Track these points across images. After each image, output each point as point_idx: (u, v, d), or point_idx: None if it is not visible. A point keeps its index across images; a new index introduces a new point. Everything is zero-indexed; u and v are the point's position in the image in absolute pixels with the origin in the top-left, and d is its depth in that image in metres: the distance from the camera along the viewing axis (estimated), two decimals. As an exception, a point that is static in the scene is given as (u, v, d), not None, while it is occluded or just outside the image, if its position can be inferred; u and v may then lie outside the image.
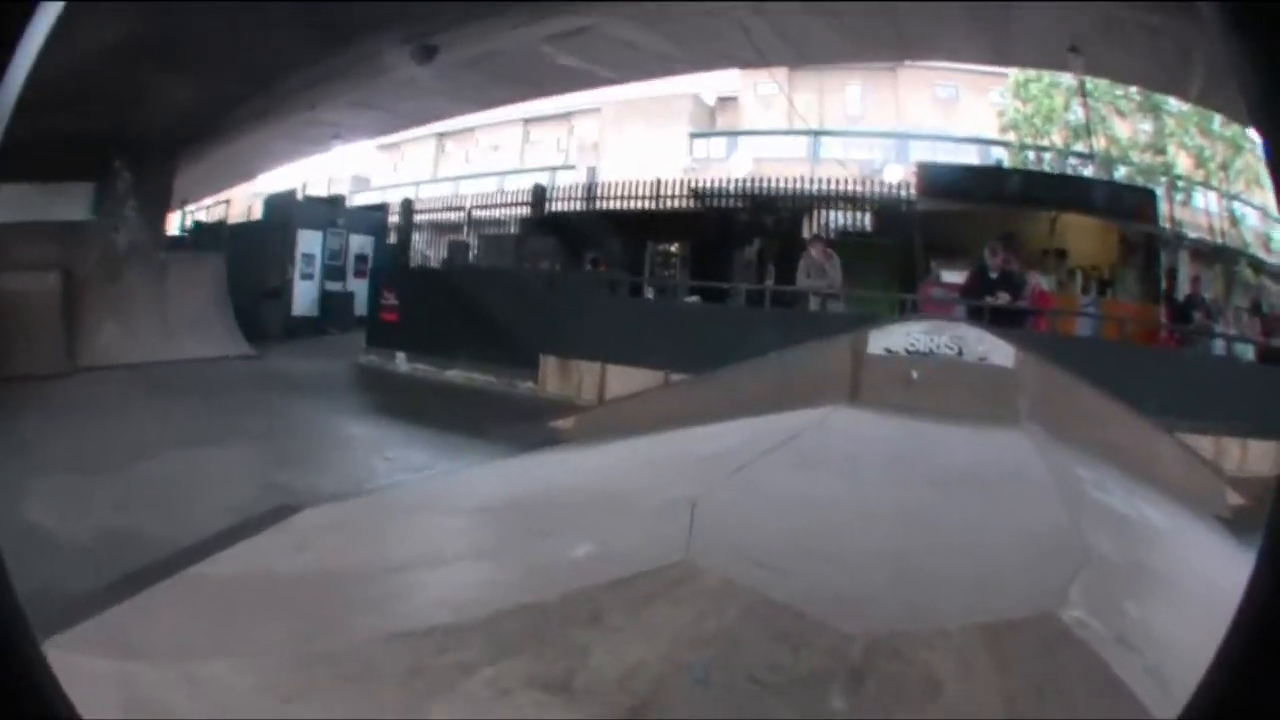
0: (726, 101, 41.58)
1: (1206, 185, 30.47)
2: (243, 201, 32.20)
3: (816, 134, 36.03)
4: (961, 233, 20.65)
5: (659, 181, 27.67)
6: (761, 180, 27.42)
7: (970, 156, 32.64)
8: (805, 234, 23.17)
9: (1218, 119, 28.53)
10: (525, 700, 4.18)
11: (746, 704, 4.17)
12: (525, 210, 29.42)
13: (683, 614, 4.66)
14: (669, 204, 27.32)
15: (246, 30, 16.21)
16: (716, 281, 21.95)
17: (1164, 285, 22.93)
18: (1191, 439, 12.51)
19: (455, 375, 19.51)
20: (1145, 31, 17.55)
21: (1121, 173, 30.36)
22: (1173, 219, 26.75)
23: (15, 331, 16.84)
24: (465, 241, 30.94)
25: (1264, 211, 29.42)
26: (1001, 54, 23.17)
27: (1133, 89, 28.38)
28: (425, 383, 19.69)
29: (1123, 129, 31.55)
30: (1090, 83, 26.06)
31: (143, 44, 14.83)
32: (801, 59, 26.73)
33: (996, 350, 10.92)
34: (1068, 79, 28.37)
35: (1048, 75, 31.10)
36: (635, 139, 38.89)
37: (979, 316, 15.44)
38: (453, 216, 32.40)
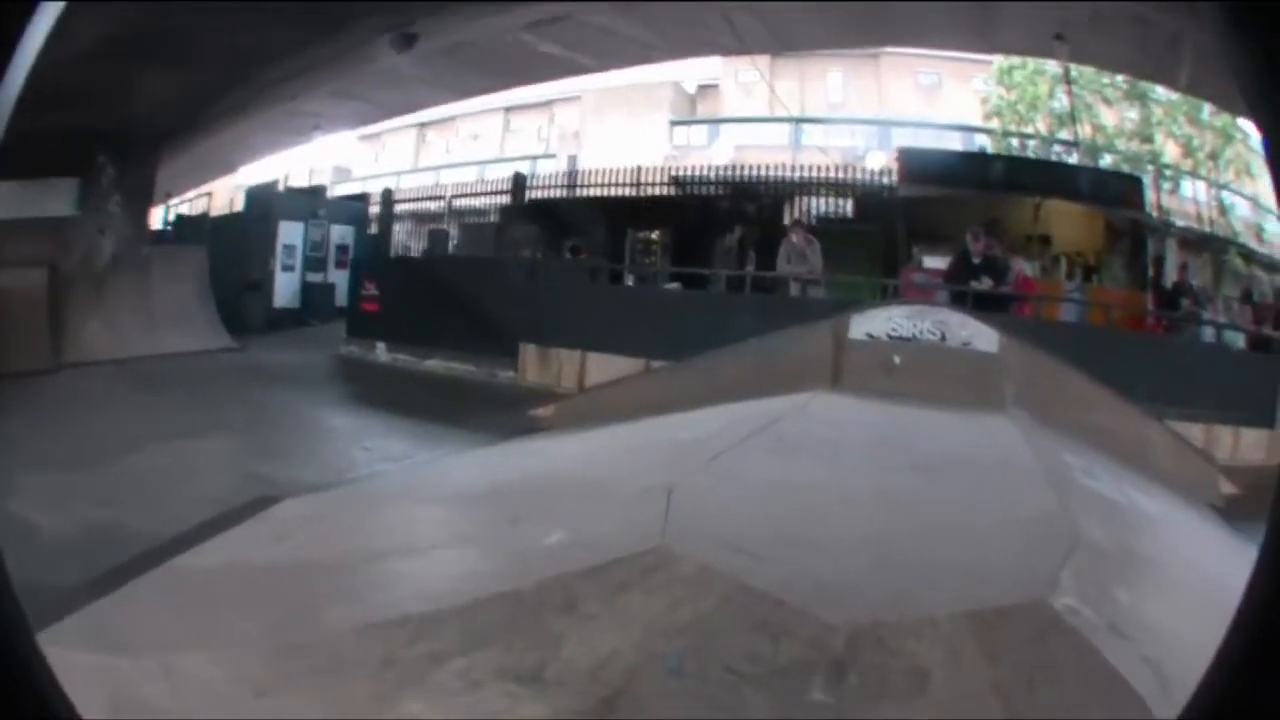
0: (707, 89, 41.50)
1: (1195, 174, 30.39)
2: (225, 194, 32.00)
3: (798, 121, 35.92)
4: (944, 219, 20.52)
5: (639, 169, 27.64)
6: (743, 167, 27.34)
7: (953, 144, 32.48)
8: (786, 220, 23.05)
9: (1207, 108, 28.45)
10: (496, 691, 4.09)
11: (722, 696, 4.04)
12: (505, 199, 29.26)
13: (657, 602, 4.54)
14: (649, 191, 27.21)
15: (227, 22, 16.05)
16: (697, 268, 21.86)
17: (1151, 272, 22.83)
18: (1182, 427, 12.38)
19: (435, 365, 19.51)
20: (1133, 20, 17.46)
21: (1107, 161, 30.26)
22: (1160, 207, 26.67)
23: (2, 328, 16.75)
24: (445, 231, 30.89)
25: (1254, 201, 29.37)
26: (986, 41, 23.13)
27: (1119, 77, 28.27)
28: (405, 373, 19.69)
29: (1109, 117, 31.48)
30: (1075, 70, 25.95)
31: (125, 38, 14.69)
32: (783, 47, 26.64)
33: (980, 335, 10.76)
34: (1053, 66, 28.30)
35: (1032, 62, 31.00)
36: (616, 127, 38.81)
37: (962, 302, 15.32)
38: (433, 206, 32.29)
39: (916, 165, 23.57)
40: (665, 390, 11.32)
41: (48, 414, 13.86)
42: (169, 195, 27.05)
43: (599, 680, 4.12)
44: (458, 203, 31.26)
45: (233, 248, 25.11)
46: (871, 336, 10.86)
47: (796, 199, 25.26)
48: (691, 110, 41.89)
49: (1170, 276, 22.98)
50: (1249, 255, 27.39)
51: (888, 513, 6.08)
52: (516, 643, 4.37)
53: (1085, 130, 29.94)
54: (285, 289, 27.34)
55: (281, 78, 20.50)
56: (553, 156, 39.29)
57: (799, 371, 10.57)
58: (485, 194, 30.66)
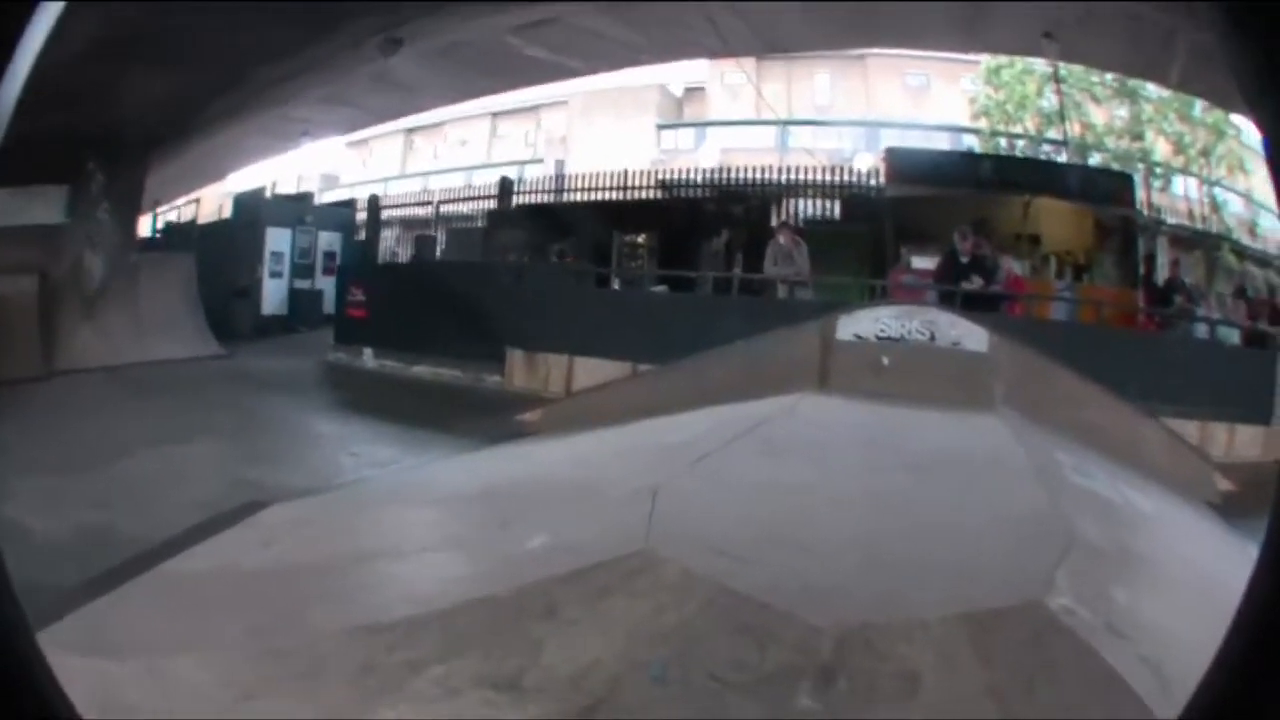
0: (694, 92, 41.70)
1: (1186, 171, 30.40)
2: (213, 201, 31.99)
3: (785, 124, 35.95)
4: (932, 219, 20.42)
5: (625, 173, 27.52)
6: (729, 170, 27.29)
7: (942, 144, 32.48)
8: (773, 222, 22.97)
9: (1199, 104, 28.45)
10: (474, 699, 4.05)
11: (707, 704, 3.95)
12: (492, 204, 29.20)
13: (640, 607, 4.47)
14: (636, 195, 27.15)
15: (214, 26, 16.01)
16: (684, 271, 21.77)
17: (1142, 270, 22.78)
18: (1176, 424, 12.30)
19: (422, 371, 19.42)
20: (1125, 18, 17.40)
21: (1097, 159, 30.24)
22: (1150, 204, 26.64)
23: (-7, 336, 16.73)
24: (432, 236, 30.78)
25: (1247, 197, 29.40)
26: (975, 40, 23.06)
27: (1109, 75, 28.27)
28: (392, 379, 19.59)
29: (1098, 115, 31.47)
30: (1064, 69, 25.93)
31: (113, 43, 14.59)
32: (769, 48, 26.53)
33: (970, 335, 10.72)
34: (1041, 65, 28.32)
35: (1020, 61, 31.02)
36: (603, 131, 38.92)
37: (951, 302, 15.24)
38: (420, 212, 32.26)
39: (904, 165, 23.48)
40: (652, 394, 11.27)
41: (41, 421, 13.78)
42: (157, 203, 27.00)
43: (580, 688, 4.04)
44: (445, 208, 31.22)
45: (221, 255, 24.92)
46: (859, 337, 10.82)
47: (783, 201, 25.20)
48: (678, 113, 42.03)
49: (1162, 274, 22.91)
50: (1241, 251, 27.37)
51: (877, 513, 6.00)
52: (496, 649, 4.31)
53: (1074, 129, 29.93)
54: (273, 296, 27.24)
55: (269, 83, 20.45)
56: (540, 161, 39.39)
57: (786, 373, 10.52)
58: (472, 199, 30.63)
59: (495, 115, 42.75)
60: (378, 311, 21.03)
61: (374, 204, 31.02)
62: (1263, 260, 27.18)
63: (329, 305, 25.07)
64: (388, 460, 12.25)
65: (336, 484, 10.51)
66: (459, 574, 5.58)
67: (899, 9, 19.18)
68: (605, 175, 27.67)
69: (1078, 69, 27.23)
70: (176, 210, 31.25)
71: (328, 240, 29.12)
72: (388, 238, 32.26)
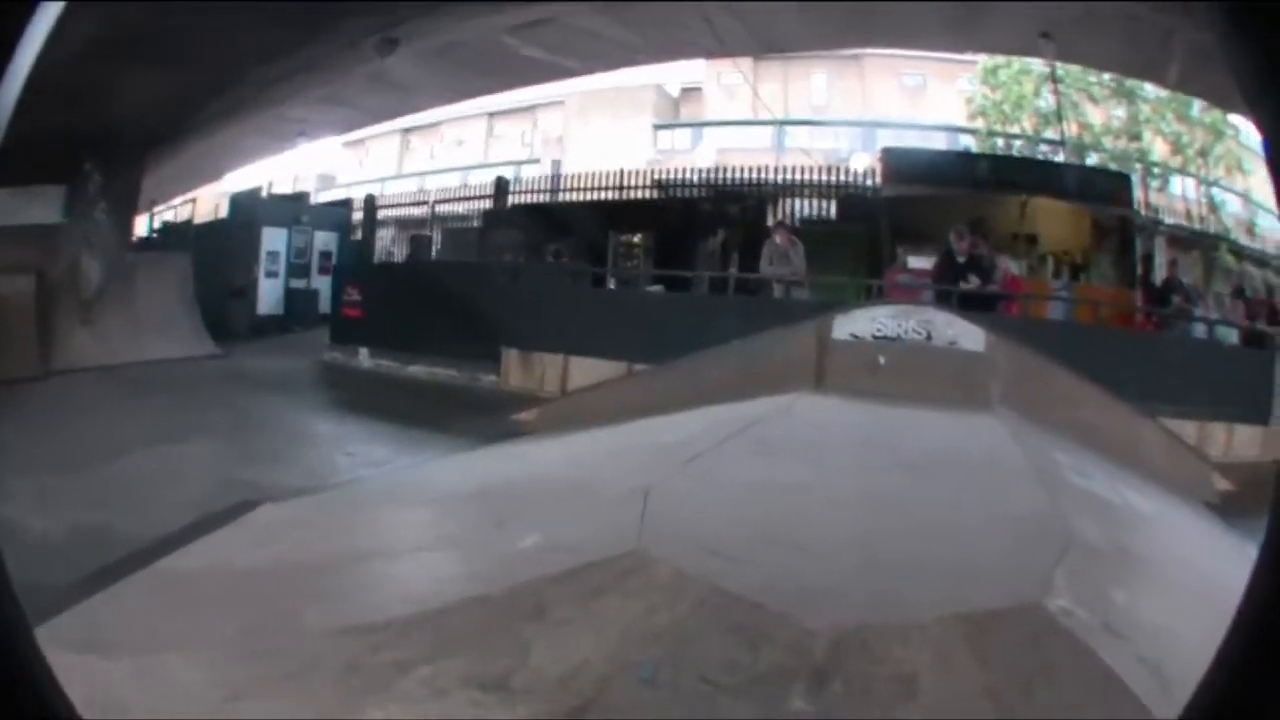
0: (690, 92, 41.58)
1: (1184, 172, 30.37)
2: (209, 201, 31.88)
3: (782, 124, 35.91)
4: (929, 218, 20.38)
5: (622, 172, 27.54)
6: (725, 170, 27.25)
7: (938, 145, 32.42)
8: (769, 222, 22.93)
9: (1197, 104, 28.44)
10: (461, 700, 4.01)
11: (698, 706, 3.90)
12: (488, 203, 29.18)
13: (632, 607, 4.43)
14: (632, 195, 27.11)
15: (212, 28, 16.04)
16: (680, 271, 21.76)
17: (1139, 270, 22.74)
18: (1174, 424, 12.26)
19: (418, 371, 19.41)
20: (1123, 17, 17.39)
21: (1094, 160, 30.22)
22: (1148, 204, 26.62)
23: (-9, 336, 16.75)
24: (427, 236, 30.89)
25: (1245, 197, 29.37)
26: (972, 40, 23.09)
27: (1106, 75, 28.25)
28: (388, 378, 19.60)
29: (1095, 115, 31.44)
30: (1062, 69, 25.90)
31: (110, 43, 14.59)
32: (766, 48, 26.43)
33: (966, 334, 10.67)
34: (1038, 65, 28.28)
35: (1017, 61, 30.99)
36: (599, 131, 38.85)
37: (947, 302, 15.19)
38: (417, 212, 32.23)
39: (900, 165, 23.44)
40: (647, 393, 11.23)
41: (38, 421, 13.88)
42: (154, 202, 27.05)
43: (569, 689, 4.00)
44: (441, 208, 31.19)
45: (217, 255, 24.95)
46: (856, 337, 10.76)
47: (780, 201, 25.14)
48: (675, 114, 41.95)
49: (1159, 273, 22.87)
50: (1239, 252, 27.34)
51: (873, 513, 5.95)
52: (484, 650, 4.28)
53: (1072, 129, 29.89)
54: (269, 295, 27.21)
55: (265, 83, 20.48)
56: (536, 161, 39.31)
57: (782, 373, 10.47)
58: (468, 199, 30.65)
59: (492, 115, 42.63)
60: (373, 311, 21.04)
61: (370, 204, 30.94)
62: (1261, 260, 27.16)
63: (325, 305, 25.06)
64: (382, 460, 12.27)
65: (330, 484, 10.51)
66: (449, 573, 5.56)
67: (895, 9, 19.19)
68: (601, 175, 27.67)
69: (1075, 69, 27.20)
70: (173, 210, 31.21)
71: (324, 240, 29.05)
72: (384, 237, 32.22)
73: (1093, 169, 28.00)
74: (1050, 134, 30.59)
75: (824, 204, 25.01)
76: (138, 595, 5.45)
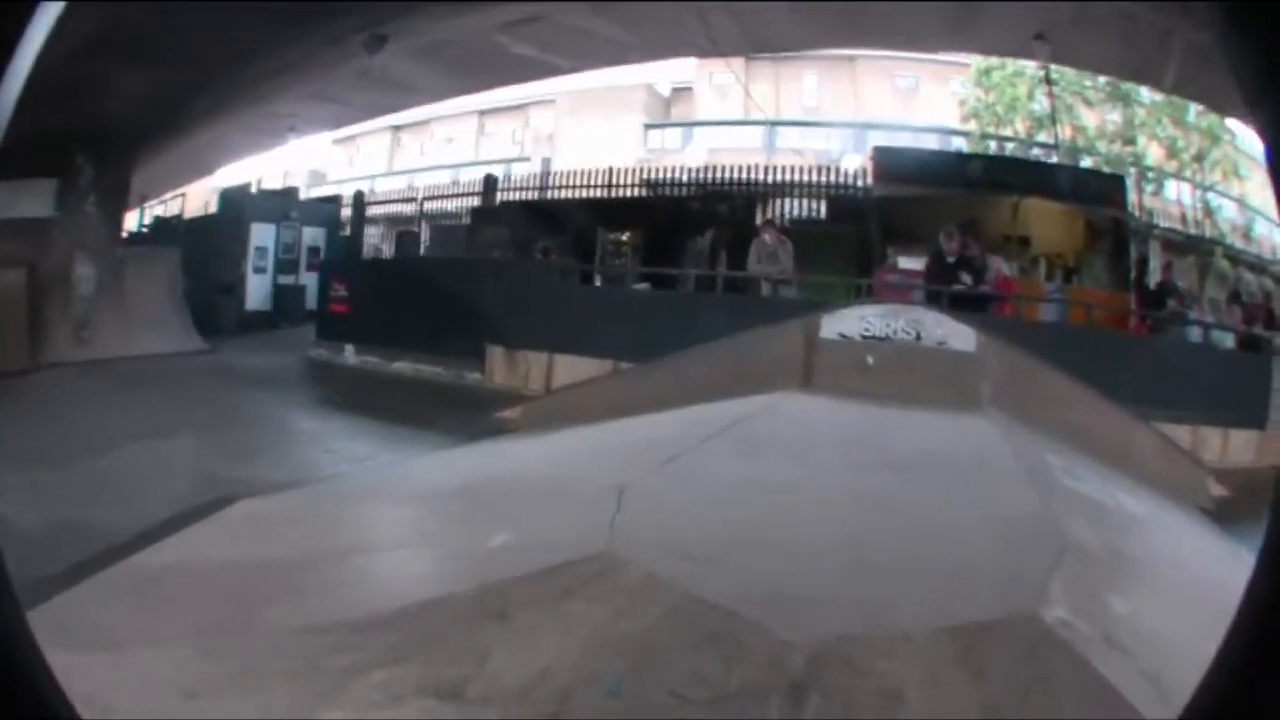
0: (681, 92, 41.65)
1: (1179, 176, 30.37)
2: (199, 196, 31.92)
3: (772, 124, 35.93)
4: (920, 219, 20.23)
5: (611, 170, 27.43)
6: (716, 169, 27.14)
7: (931, 146, 32.35)
8: (758, 221, 22.82)
9: (1193, 109, 28.43)
10: (415, 707, 3.90)
11: (665, 722, 3.75)
12: (476, 201, 29.11)
13: (597, 613, 4.28)
14: (621, 193, 27.05)
15: (200, 24, 15.99)
16: (668, 269, 21.61)
17: (1134, 273, 22.64)
18: (1168, 428, 12.14)
19: (403, 367, 19.27)
20: (1119, 18, 17.30)
21: (1088, 163, 30.17)
22: (1142, 208, 26.58)
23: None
24: (414, 232, 30.78)
25: (1241, 202, 29.37)
26: (964, 41, 23.02)
27: (1101, 78, 28.25)
28: (373, 375, 19.46)
29: (1090, 118, 31.45)
30: (1056, 71, 25.85)
31: (100, 37, 14.50)
32: (758, 47, 26.48)
33: (956, 334, 10.60)
34: (1032, 68, 28.23)
35: (1011, 63, 30.98)
36: (590, 130, 38.91)
37: (938, 302, 15.07)
38: (406, 209, 32.17)
39: (891, 164, 23.26)
40: (632, 392, 11.18)
41: (26, 413, 13.81)
42: (145, 197, 27.07)
43: (527, 700, 3.84)
44: (430, 205, 31.12)
45: (206, 250, 24.96)
46: (844, 336, 10.69)
47: (770, 201, 25.04)
48: (666, 113, 42.01)
49: (1154, 276, 22.80)
50: (1235, 257, 27.31)
51: (858, 515, 5.82)
52: (442, 654, 4.17)
53: (1065, 132, 29.88)
54: (257, 291, 27.08)
55: (254, 79, 20.45)
56: (527, 159, 39.37)
57: (769, 372, 10.41)
58: (457, 195, 30.56)
59: (482, 113, 42.72)
60: (359, 307, 20.94)
61: (359, 200, 30.93)
62: (1257, 266, 27.15)
63: (313, 301, 24.79)
64: (364, 457, 12.16)
65: (308, 480, 10.41)
66: (415, 572, 5.50)
67: (888, 9, 19.09)
68: (590, 173, 27.57)
69: (1069, 72, 27.17)
70: (163, 205, 31.23)
71: (312, 236, 28.88)
72: (373, 234, 32.19)
73: (1087, 170, 27.99)
74: (1044, 137, 30.61)
75: (814, 204, 24.90)
76: (108, 590, 5.48)
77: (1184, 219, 28.73)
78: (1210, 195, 29.91)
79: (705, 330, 12.48)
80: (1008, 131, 32.76)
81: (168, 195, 31.06)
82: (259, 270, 27.07)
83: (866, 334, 10.63)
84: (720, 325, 12.86)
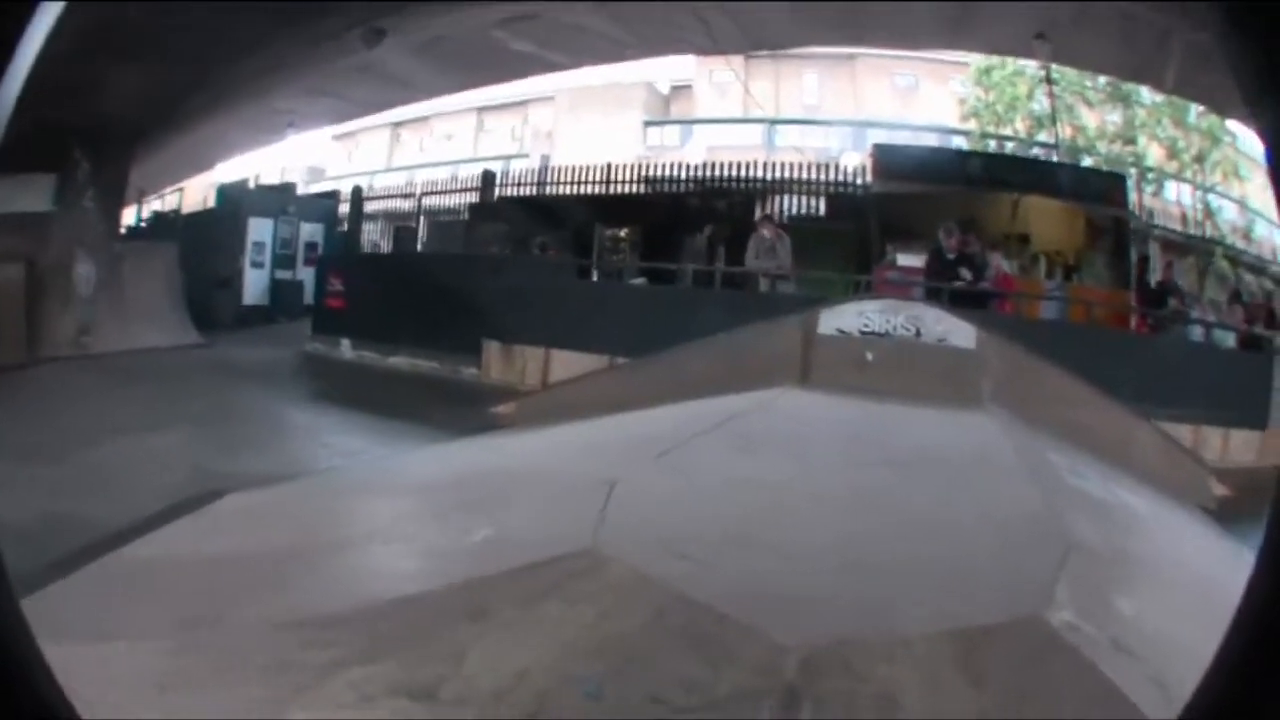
0: (680, 90, 41.84)
1: (1179, 177, 30.41)
2: (198, 191, 31.99)
3: (771, 122, 36.02)
4: (919, 216, 20.16)
5: (609, 166, 27.35)
6: (714, 165, 27.06)
7: (930, 145, 32.37)
8: (756, 217, 22.76)
9: (1194, 110, 28.46)
10: (387, 708, 3.76)
11: (648, 729, 3.61)
12: (474, 196, 29.06)
13: (580, 613, 4.11)
14: (620, 189, 26.99)
15: (198, 14, 15.94)
16: (665, 264, 21.53)
17: (1135, 271, 22.59)
18: (1169, 428, 12.04)
19: (399, 362, 19.29)
20: (1119, 18, 17.26)
21: (1088, 163, 30.15)
22: (1142, 208, 26.56)
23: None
24: (411, 227, 30.91)
25: (1242, 204, 29.40)
26: (964, 39, 22.95)
27: (1101, 79, 28.29)
28: (369, 370, 19.52)
29: (1090, 119, 31.46)
30: (1056, 71, 25.81)
31: (99, 35, 14.48)
32: (757, 45, 26.49)
33: (957, 330, 10.49)
34: (1032, 67, 28.25)
35: (1011, 63, 31.01)
36: (589, 127, 39.08)
37: (938, 299, 14.99)
38: (404, 205, 32.15)
39: (891, 161, 23.21)
40: (628, 387, 11.09)
41: (23, 407, 13.95)
42: (143, 192, 27.15)
43: (504, 702, 3.69)
44: (429, 201, 31.09)
45: (204, 245, 25.07)
46: (842, 332, 10.57)
47: (769, 198, 24.97)
48: (665, 111, 42.20)
49: (1155, 275, 22.76)
50: (1235, 258, 27.32)
51: (857, 513, 5.67)
52: (417, 653, 4.04)
53: (1066, 132, 29.87)
54: (255, 286, 27.30)
55: (254, 73, 20.45)
56: (526, 156, 39.53)
57: (766, 368, 10.29)
58: (455, 191, 30.56)
59: (481, 110, 43.02)
60: (356, 302, 20.93)
61: (357, 195, 30.88)
62: (1257, 268, 27.15)
63: (311, 296, 24.84)
64: (356, 451, 12.21)
65: (298, 474, 10.38)
66: (392, 569, 5.38)
67: (888, 7, 19.06)
68: (589, 169, 27.50)
69: (1070, 72, 27.17)
70: (161, 200, 31.31)
71: (310, 231, 29.07)
72: (371, 230, 32.20)
73: (1087, 169, 28.00)
74: (1044, 137, 30.61)
75: (813, 202, 24.84)
76: (90, 584, 5.39)
77: (1184, 220, 28.77)
78: (1210, 196, 29.95)
79: (702, 326, 12.35)
80: (1008, 131, 32.79)
81: (166, 190, 31.15)
82: (256, 265, 27.34)
83: (865, 330, 10.52)
84: (717, 321, 12.76)
